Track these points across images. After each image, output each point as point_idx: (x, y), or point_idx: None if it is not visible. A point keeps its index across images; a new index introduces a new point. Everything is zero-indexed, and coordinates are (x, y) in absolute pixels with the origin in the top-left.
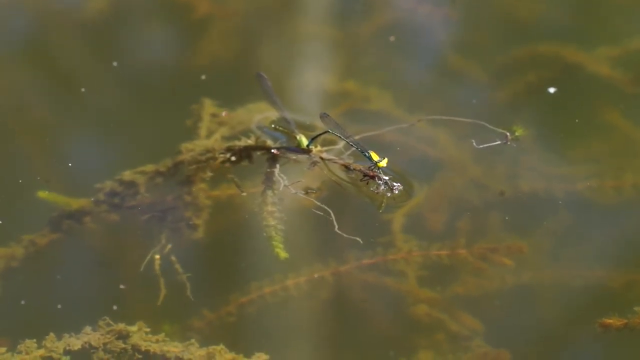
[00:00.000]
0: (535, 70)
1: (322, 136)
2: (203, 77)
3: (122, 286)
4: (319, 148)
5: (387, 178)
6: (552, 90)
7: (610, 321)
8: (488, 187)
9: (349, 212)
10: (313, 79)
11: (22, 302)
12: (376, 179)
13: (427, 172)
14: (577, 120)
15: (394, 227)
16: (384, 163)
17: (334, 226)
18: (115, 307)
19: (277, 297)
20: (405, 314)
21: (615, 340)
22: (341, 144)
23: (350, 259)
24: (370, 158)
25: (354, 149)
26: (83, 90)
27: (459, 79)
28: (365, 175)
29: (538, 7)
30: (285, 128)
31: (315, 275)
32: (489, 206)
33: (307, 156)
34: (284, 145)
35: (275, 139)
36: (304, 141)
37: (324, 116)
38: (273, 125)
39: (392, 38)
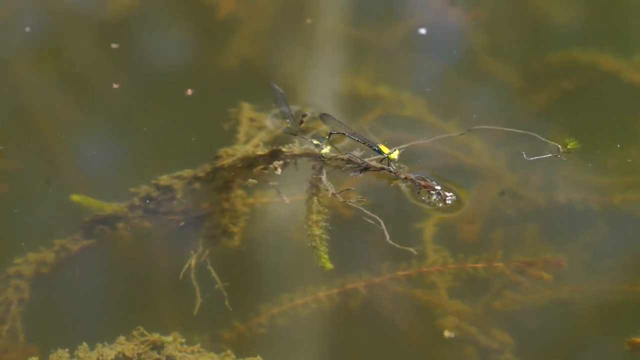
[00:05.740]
0: (570, 76)
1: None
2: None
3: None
4: (327, 149)
5: (439, 188)
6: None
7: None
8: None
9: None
10: (342, 84)
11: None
12: (429, 188)
13: (468, 182)
14: (613, 129)
15: (425, 236)
16: (395, 155)
17: (378, 236)
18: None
19: (308, 308)
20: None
21: None
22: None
23: (384, 271)
24: (379, 151)
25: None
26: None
27: (492, 84)
28: (417, 184)
29: (571, 12)
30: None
31: (348, 287)
32: (526, 217)
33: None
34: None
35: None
36: (385, 149)
37: (324, 116)
38: (328, 136)
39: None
